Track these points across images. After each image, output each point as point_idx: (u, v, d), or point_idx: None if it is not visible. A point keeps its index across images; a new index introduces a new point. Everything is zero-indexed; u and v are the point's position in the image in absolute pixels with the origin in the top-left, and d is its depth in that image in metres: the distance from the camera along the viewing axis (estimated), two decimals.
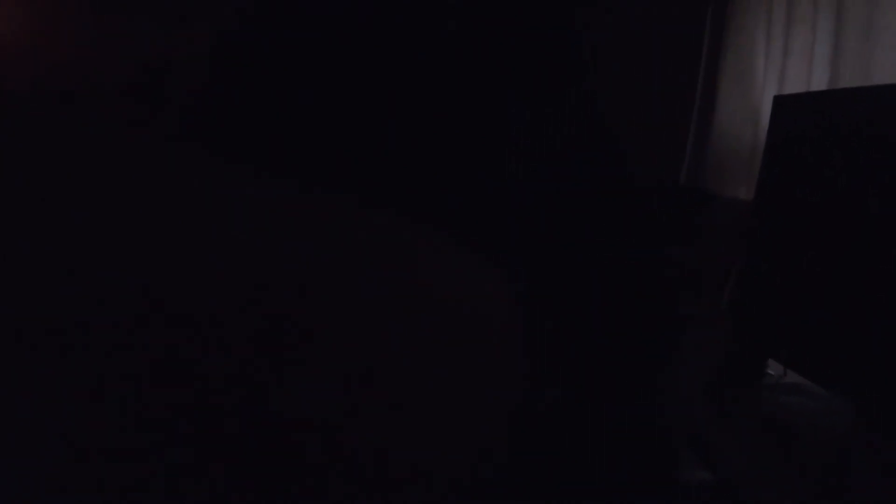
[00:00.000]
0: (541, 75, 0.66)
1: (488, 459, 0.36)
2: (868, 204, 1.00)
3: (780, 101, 1.33)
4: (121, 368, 0.25)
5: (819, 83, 1.51)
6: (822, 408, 1.17)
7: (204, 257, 0.27)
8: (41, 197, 0.25)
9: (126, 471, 0.26)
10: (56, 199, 0.26)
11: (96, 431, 0.26)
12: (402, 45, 0.43)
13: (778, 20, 1.62)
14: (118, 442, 0.26)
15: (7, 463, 0.25)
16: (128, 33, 0.39)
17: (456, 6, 0.47)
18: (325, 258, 0.30)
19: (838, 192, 1.08)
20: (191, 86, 0.41)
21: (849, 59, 1.42)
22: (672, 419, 1.15)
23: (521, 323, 0.38)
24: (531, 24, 0.58)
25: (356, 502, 0.30)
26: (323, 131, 0.42)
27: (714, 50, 1.76)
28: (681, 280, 1.42)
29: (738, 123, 1.71)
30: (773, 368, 1.34)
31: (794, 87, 1.59)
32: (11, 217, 0.25)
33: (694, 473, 1.07)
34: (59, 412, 0.25)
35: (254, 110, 0.41)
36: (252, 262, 0.28)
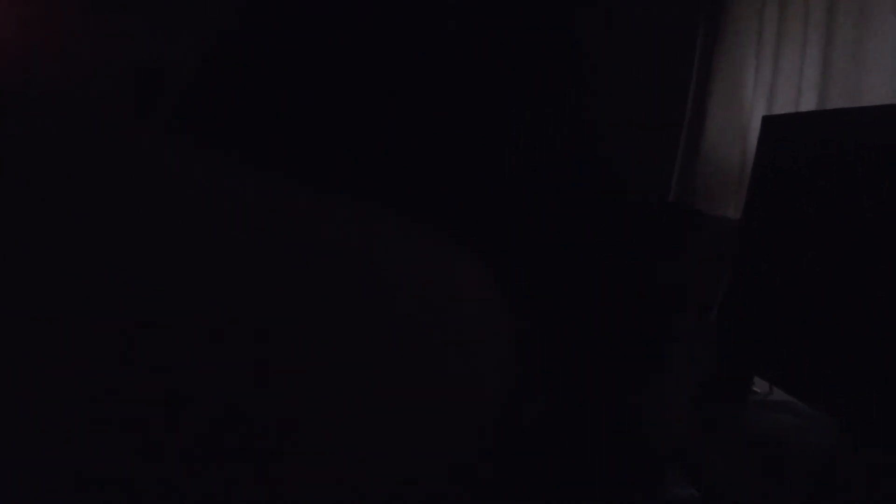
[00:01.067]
0: (530, 91, 0.66)
1: (475, 463, 0.36)
2: (855, 223, 1.01)
3: (769, 121, 1.34)
4: (119, 367, 0.25)
5: (808, 104, 1.53)
6: (809, 425, 1.17)
7: (204, 256, 0.27)
8: (41, 197, 0.25)
9: (123, 469, 0.26)
10: (56, 199, 0.25)
11: (94, 431, 0.25)
12: (402, 46, 0.43)
13: (768, 41, 1.64)
14: (115, 440, 0.26)
15: (7, 463, 0.25)
16: (125, 35, 0.39)
17: (456, 8, 0.48)
18: (324, 258, 0.30)
19: (825, 211, 1.08)
20: (191, 86, 0.41)
21: (838, 81, 1.44)
22: (658, 434, 1.15)
23: (512, 331, 0.38)
24: (526, 32, 0.58)
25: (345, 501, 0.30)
26: (320, 131, 0.42)
27: (704, 69, 1.77)
28: (668, 296, 1.42)
29: (726, 142, 1.72)
30: (759, 386, 1.35)
31: (782, 107, 1.60)
32: (11, 217, 0.24)
33: (679, 489, 1.07)
34: (59, 410, 0.25)
35: (253, 110, 0.41)
36: (252, 261, 0.28)
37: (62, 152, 0.27)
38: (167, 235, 0.28)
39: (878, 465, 0.95)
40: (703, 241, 1.56)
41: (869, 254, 0.96)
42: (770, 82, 1.63)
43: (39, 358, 0.25)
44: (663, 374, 1.27)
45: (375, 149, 0.43)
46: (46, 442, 0.26)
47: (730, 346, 1.32)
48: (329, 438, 0.30)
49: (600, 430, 1.02)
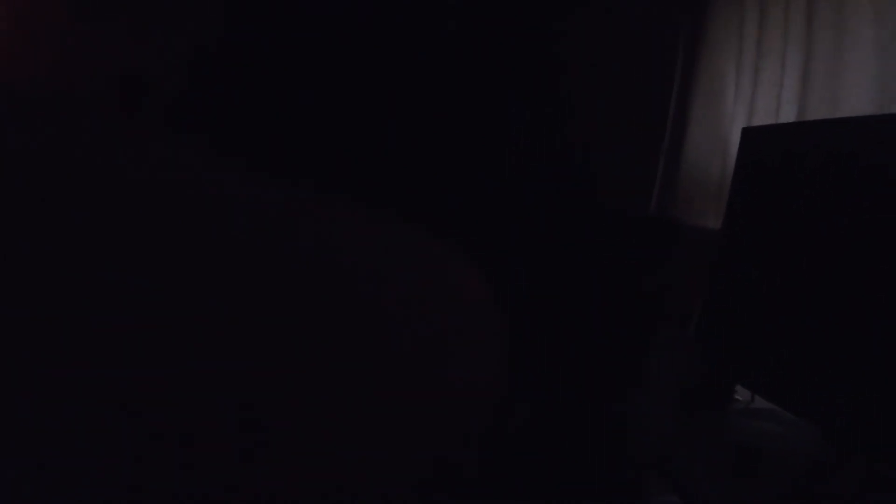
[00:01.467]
0: (526, 93, 0.66)
1: (457, 475, 0.36)
2: (834, 233, 1.02)
3: (748, 133, 1.36)
4: (119, 367, 0.25)
5: (787, 116, 1.55)
6: (791, 432, 1.18)
7: (204, 256, 0.27)
8: (41, 196, 0.25)
9: (120, 471, 0.26)
10: (56, 199, 0.25)
11: (94, 431, 0.25)
12: (402, 46, 0.43)
13: (748, 54, 1.66)
14: (115, 440, 0.25)
15: (7, 463, 0.24)
16: (111, 43, 0.38)
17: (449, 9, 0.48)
18: (324, 258, 0.30)
19: (804, 221, 1.10)
20: (187, 87, 0.41)
21: (817, 93, 1.46)
22: (640, 442, 1.15)
23: (505, 333, 0.38)
24: (520, 34, 0.58)
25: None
26: (320, 131, 0.42)
27: (684, 82, 1.79)
28: (649, 306, 1.43)
29: (707, 153, 1.74)
30: (741, 393, 1.36)
31: (762, 119, 1.62)
32: (11, 217, 0.24)
33: (662, 498, 1.07)
34: (59, 411, 0.25)
35: (252, 111, 0.40)
36: (252, 260, 0.28)
37: (62, 151, 0.27)
38: (168, 235, 0.28)
39: (860, 472, 0.96)
40: (683, 251, 1.57)
41: (849, 262, 0.98)
42: (750, 94, 1.65)
43: (39, 358, 0.25)
44: (646, 383, 1.27)
45: (375, 148, 0.43)
46: (47, 442, 0.26)
47: (711, 354, 1.33)
48: (329, 438, 0.30)
49: (584, 438, 1.02)
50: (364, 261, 0.32)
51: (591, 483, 0.99)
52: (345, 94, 0.44)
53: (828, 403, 0.97)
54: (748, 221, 1.28)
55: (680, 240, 1.58)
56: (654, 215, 1.79)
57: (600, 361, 1.09)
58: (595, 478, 1.00)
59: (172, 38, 0.42)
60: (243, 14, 0.41)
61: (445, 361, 0.33)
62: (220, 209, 0.28)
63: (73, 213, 0.25)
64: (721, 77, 1.73)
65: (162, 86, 0.41)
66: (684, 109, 1.79)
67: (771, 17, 1.61)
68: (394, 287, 0.32)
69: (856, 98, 1.38)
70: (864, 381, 0.91)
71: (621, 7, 1.44)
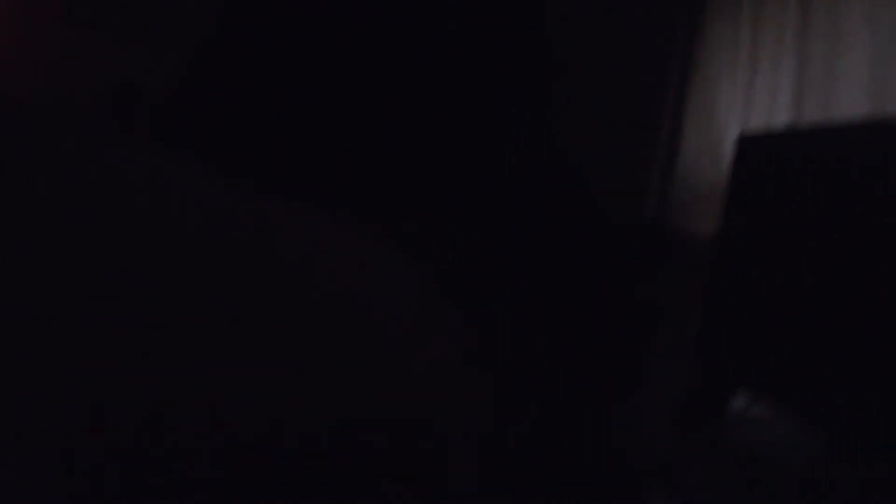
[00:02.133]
0: (526, 95, 0.66)
1: (456, 490, 0.36)
2: (829, 237, 1.02)
3: (744, 139, 1.36)
4: (116, 369, 0.25)
5: (782, 122, 1.56)
6: (790, 437, 1.18)
7: (203, 258, 0.27)
8: (41, 198, 0.25)
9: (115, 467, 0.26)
10: (53, 202, 0.25)
11: (90, 427, 0.25)
12: (402, 46, 0.43)
13: (742, 60, 1.67)
14: (113, 442, 0.25)
15: (6, 463, 0.24)
16: (103, 49, 0.38)
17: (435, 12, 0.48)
18: (320, 258, 0.30)
19: (800, 225, 1.10)
20: (184, 90, 0.41)
21: (811, 98, 1.47)
22: (639, 450, 1.15)
23: (489, 355, 0.38)
24: (520, 36, 0.58)
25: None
26: (320, 131, 0.42)
27: (680, 89, 1.80)
28: (647, 315, 1.43)
29: (702, 160, 1.74)
30: (740, 401, 1.35)
31: (757, 125, 1.63)
32: (10, 218, 0.24)
33: (663, 503, 1.07)
34: (59, 410, 0.25)
35: (252, 111, 0.40)
36: (251, 262, 0.28)
37: (60, 155, 0.27)
38: (166, 236, 0.28)
39: (860, 475, 0.96)
40: (680, 257, 1.57)
41: (844, 267, 0.98)
42: (745, 100, 1.66)
43: (39, 358, 0.25)
44: (644, 391, 1.27)
45: (375, 148, 0.43)
46: (47, 443, 0.26)
47: (711, 359, 1.33)
48: (306, 446, 0.30)
49: (584, 443, 1.02)
50: (348, 265, 0.32)
51: (591, 488, 0.99)
52: (344, 95, 0.44)
53: (828, 406, 0.97)
54: (745, 226, 1.29)
55: (676, 245, 1.58)
56: (650, 221, 1.79)
57: (599, 366, 1.09)
58: (596, 483, 1.00)
59: (167, 44, 0.42)
60: (241, 14, 0.41)
61: (413, 353, 0.33)
62: (219, 211, 0.29)
63: (73, 215, 0.26)
64: (716, 84, 1.74)
65: (156, 93, 0.41)
66: (679, 116, 1.80)
67: (765, 24, 1.62)
68: (378, 287, 0.32)
69: (850, 103, 1.38)
70: (863, 384, 0.91)
71: (617, 14, 1.45)
